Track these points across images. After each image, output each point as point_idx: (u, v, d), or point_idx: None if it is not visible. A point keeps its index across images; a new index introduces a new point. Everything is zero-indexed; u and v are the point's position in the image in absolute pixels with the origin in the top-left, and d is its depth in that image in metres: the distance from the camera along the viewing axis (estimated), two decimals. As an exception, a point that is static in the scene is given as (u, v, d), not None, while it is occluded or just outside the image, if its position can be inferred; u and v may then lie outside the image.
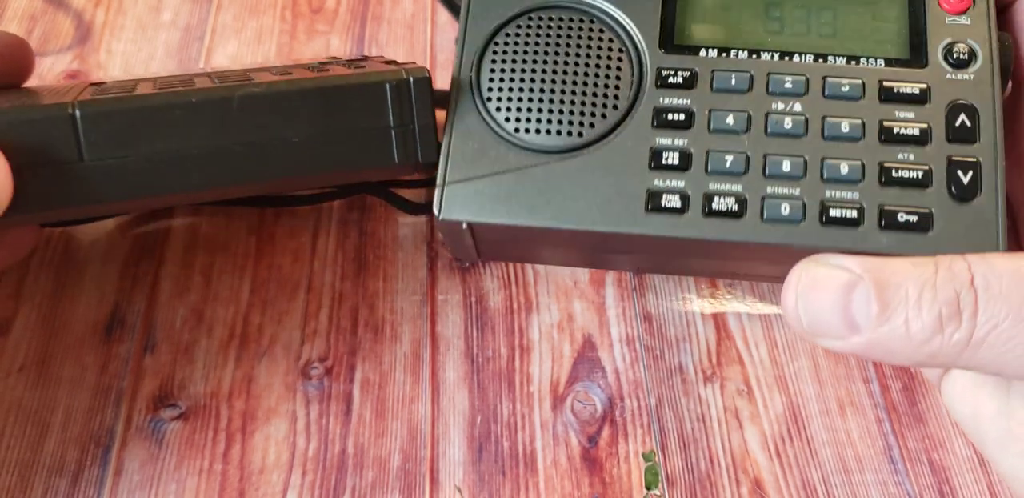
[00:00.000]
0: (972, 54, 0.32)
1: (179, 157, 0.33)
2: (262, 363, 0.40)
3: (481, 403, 0.39)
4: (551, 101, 0.33)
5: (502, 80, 0.33)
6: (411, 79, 0.33)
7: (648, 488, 0.37)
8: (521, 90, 0.33)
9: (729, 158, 0.32)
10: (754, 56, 0.33)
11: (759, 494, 0.36)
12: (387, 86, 0.33)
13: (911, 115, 0.32)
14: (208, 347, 0.41)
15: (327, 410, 0.39)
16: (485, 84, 0.34)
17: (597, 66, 0.33)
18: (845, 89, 0.32)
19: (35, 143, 0.31)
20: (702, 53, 0.33)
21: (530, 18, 0.34)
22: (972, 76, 0.32)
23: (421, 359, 0.40)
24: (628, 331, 0.42)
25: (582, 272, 0.43)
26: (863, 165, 0.31)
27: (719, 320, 0.42)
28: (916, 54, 0.33)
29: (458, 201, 0.32)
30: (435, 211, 0.32)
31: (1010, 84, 0.33)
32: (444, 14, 0.54)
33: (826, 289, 0.29)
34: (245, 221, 0.45)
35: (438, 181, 0.33)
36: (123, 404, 0.39)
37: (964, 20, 0.33)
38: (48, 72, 0.50)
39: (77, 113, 0.31)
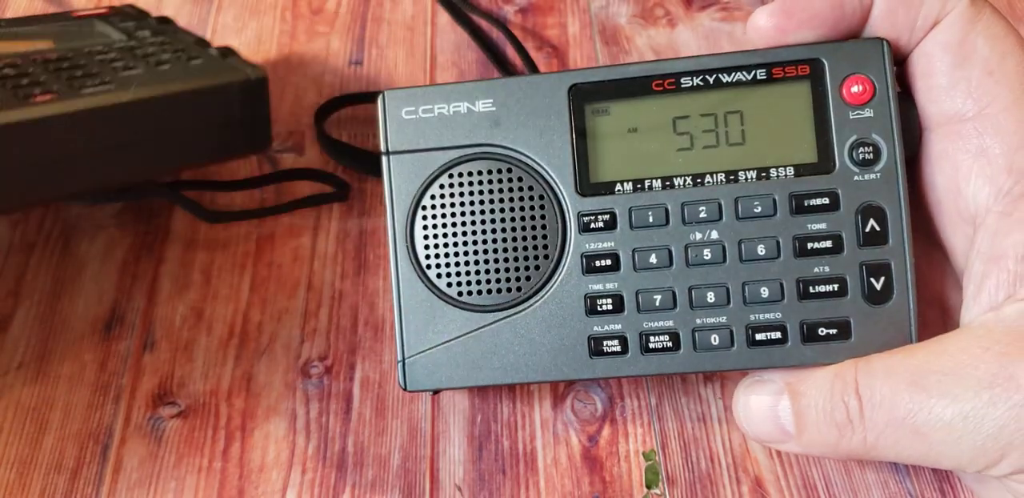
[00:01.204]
0: (877, 151, 0.33)
1: (61, 162, 0.36)
2: (262, 361, 0.40)
3: (481, 402, 0.39)
4: (486, 261, 0.35)
5: (436, 246, 0.35)
6: (254, 79, 0.38)
7: (648, 487, 0.37)
8: (456, 254, 0.35)
9: (658, 297, 0.34)
10: (667, 185, 0.34)
11: (760, 493, 0.36)
12: (236, 86, 0.38)
13: (823, 226, 0.33)
14: (208, 345, 0.41)
15: (327, 408, 0.39)
16: (421, 252, 0.35)
17: (523, 218, 0.34)
18: (758, 209, 0.33)
19: None
20: (618, 189, 0.34)
21: (450, 176, 0.35)
22: (879, 175, 0.33)
23: (421, 358, 0.40)
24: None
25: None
26: (782, 285, 0.33)
27: (719, 320, 0.42)
28: (824, 156, 0.33)
29: (419, 373, 0.35)
30: (400, 384, 0.35)
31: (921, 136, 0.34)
32: (444, 16, 0.55)
33: (759, 405, 0.33)
34: (245, 219, 0.45)
35: (398, 356, 0.35)
36: (122, 402, 0.39)
37: (867, 112, 0.33)
38: (48, 71, 0.50)
39: None
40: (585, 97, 0.35)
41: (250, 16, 0.54)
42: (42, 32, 0.40)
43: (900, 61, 0.34)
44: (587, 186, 0.34)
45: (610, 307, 0.34)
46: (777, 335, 0.33)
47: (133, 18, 0.43)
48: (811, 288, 0.33)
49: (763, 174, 0.34)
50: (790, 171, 0.33)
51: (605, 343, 0.34)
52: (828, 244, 0.33)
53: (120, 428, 0.38)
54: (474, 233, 0.35)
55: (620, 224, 0.34)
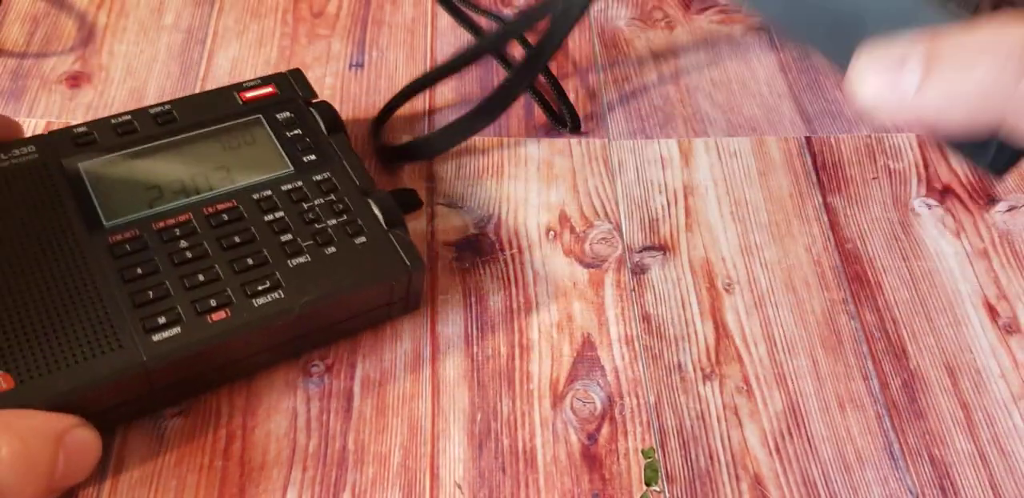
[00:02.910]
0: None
1: (235, 362, 0.38)
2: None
3: (481, 401, 0.39)
4: None
5: None
6: (414, 269, 0.38)
7: (648, 484, 0.37)
8: None
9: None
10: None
11: (760, 490, 0.36)
12: (398, 278, 0.39)
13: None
14: (209, 345, 0.41)
15: (328, 407, 0.39)
16: None
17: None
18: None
19: (112, 393, 0.35)
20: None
21: None
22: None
23: (421, 357, 0.40)
24: (627, 331, 0.42)
25: (581, 273, 0.44)
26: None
27: (718, 319, 0.42)
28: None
29: None
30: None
31: None
32: (444, 18, 0.55)
33: (880, 65, 0.30)
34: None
35: None
36: (123, 401, 0.39)
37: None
38: (51, 73, 0.50)
39: (148, 363, 0.34)
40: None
41: (251, 18, 0.54)
42: (208, 143, 0.41)
43: None
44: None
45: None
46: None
47: (295, 111, 0.43)
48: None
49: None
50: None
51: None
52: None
53: (122, 427, 0.38)
54: None
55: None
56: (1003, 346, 0.42)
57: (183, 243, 0.37)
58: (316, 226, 0.39)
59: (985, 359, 0.41)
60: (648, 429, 0.38)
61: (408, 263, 0.38)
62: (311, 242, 0.38)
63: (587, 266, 0.44)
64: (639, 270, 0.44)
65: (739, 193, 0.47)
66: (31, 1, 0.54)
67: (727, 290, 0.43)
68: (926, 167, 0.49)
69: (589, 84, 0.52)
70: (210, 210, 0.39)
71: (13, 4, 0.54)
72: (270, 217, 0.39)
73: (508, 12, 0.56)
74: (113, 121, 0.41)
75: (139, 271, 0.36)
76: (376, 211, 0.40)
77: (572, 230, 0.45)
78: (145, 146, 0.40)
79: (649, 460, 0.37)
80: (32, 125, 0.48)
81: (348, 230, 0.39)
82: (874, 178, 0.48)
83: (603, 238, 0.45)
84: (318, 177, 0.41)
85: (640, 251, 0.45)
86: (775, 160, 0.49)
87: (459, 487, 0.37)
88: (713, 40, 0.55)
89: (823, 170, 0.48)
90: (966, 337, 0.42)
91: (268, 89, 0.44)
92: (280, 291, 0.37)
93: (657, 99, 0.52)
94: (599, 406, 0.39)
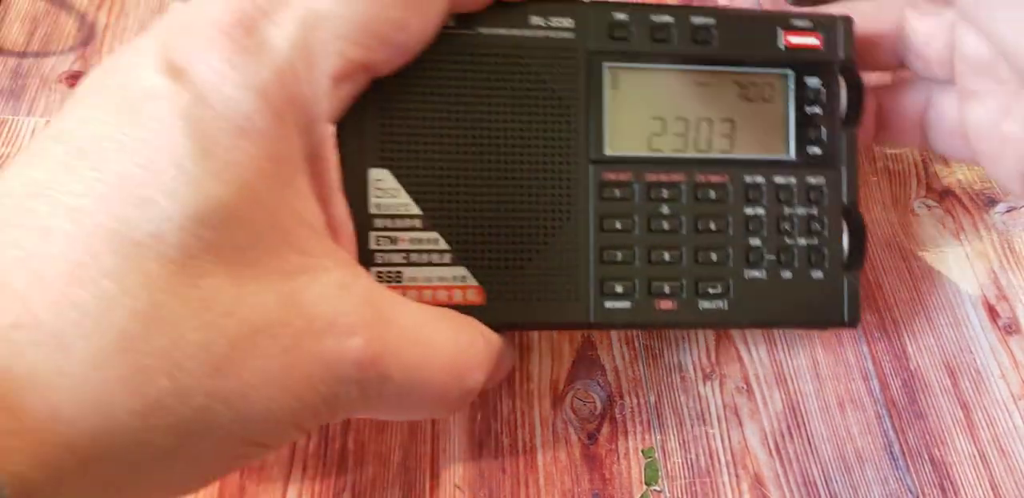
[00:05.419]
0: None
1: None
2: (262, 360, 0.40)
3: (480, 400, 0.39)
4: None
5: None
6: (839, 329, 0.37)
7: (648, 484, 0.37)
8: None
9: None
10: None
11: (760, 490, 0.36)
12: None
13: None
14: (208, 344, 0.41)
15: (327, 406, 0.39)
16: None
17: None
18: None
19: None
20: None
21: None
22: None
23: (421, 357, 0.40)
24: (627, 331, 0.42)
25: (581, 273, 0.44)
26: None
27: (718, 319, 0.42)
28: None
29: None
30: None
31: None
32: (444, 19, 0.55)
33: None
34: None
35: None
36: (123, 400, 0.39)
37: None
38: (51, 73, 0.50)
39: (592, 324, 0.33)
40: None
41: (251, 19, 0.54)
42: (727, 83, 0.34)
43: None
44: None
45: None
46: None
47: (827, 81, 0.35)
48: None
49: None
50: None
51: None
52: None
53: (121, 426, 0.38)
54: None
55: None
56: (1003, 346, 0.42)
57: (664, 209, 0.33)
58: (786, 241, 0.34)
59: (985, 359, 0.41)
60: (648, 429, 0.38)
61: (847, 319, 0.34)
62: (773, 257, 0.34)
63: (587, 266, 0.44)
64: (639, 270, 0.44)
65: (739, 193, 0.47)
66: (31, 1, 0.54)
67: (727, 290, 0.43)
68: (925, 168, 0.49)
69: (589, 84, 0.52)
70: (702, 179, 0.34)
71: (13, 4, 0.54)
72: (751, 211, 0.34)
73: (508, 13, 0.56)
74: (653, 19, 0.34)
75: (617, 225, 0.33)
76: (845, 243, 0.35)
77: (572, 230, 0.45)
78: (673, 66, 0.34)
79: (649, 460, 0.37)
80: (32, 125, 0.48)
81: (812, 259, 0.34)
82: (874, 179, 0.48)
83: (603, 238, 0.45)
84: (813, 180, 0.34)
85: (640, 251, 0.45)
86: (775, 160, 0.49)
87: (459, 487, 0.37)
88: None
89: (823, 170, 0.49)
90: (966, 337, 0.42)
91: (813, 39, 0.35)
92: (725, 301, 0.33)
93: (657, 99, 0.52)
94: (599, 406, 0.39)
